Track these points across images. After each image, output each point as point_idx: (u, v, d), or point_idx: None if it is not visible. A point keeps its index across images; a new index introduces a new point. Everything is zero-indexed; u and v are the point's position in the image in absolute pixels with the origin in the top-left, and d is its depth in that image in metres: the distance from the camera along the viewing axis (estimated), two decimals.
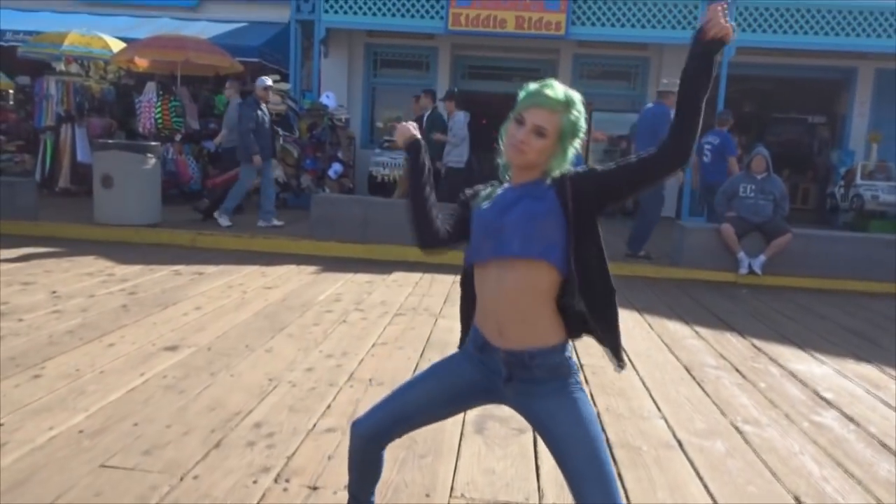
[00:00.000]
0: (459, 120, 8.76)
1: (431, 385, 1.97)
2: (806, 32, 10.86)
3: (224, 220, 8.25)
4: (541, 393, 1.79)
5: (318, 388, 3.56)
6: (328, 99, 11.09)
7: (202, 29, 12.29)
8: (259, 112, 8.24)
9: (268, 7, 13.35)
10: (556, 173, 1.78)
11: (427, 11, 11.18)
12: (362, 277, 6.49)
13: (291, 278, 6.29)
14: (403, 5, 11.17)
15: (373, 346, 4.37)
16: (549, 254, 1.72)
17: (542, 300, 1.77)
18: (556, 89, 1.76)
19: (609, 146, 12.71)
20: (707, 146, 8.69)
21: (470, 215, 1.91)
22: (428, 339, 4.58)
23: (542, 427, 1.79)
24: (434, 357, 4.18)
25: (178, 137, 10.18)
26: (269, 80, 8.62)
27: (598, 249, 1.76)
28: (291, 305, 5.27)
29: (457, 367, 1.96)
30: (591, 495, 1.64)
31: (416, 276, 6.69)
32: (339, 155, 10.99)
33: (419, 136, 2.05)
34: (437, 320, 5.09)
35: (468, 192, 1.99)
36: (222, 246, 7.59)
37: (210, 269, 6.46)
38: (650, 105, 8.25)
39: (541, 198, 1.75)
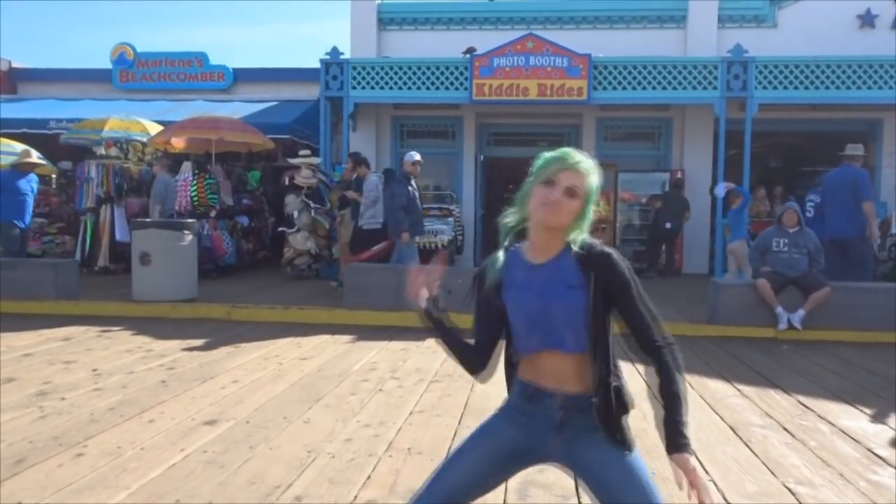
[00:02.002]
0: (371, 182, 8.82)
1: (477, 456, 1.91)
2: (827, 87, 10.94)
3: None
4: (594, 441, 1.78)
5: (357, 459, 3.53)
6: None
7: (235, 109, 12.78)
8: (410, 188, 8.24)
9: (297, 86, 13.90)
10: (579, 242, 1.79)
11: (451, 83, 11.51)
12: (397, 345, 6.49)
13: (326, 348, 6.31)
14: (428, 78, 11.52)
15: (410, 414, 4.34)
16: (598, 344, 1.76)
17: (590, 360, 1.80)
18: (581, 155, 1.83)
19: (642, 206, 12.72)
20: (809, 203, 9.06)
21: (496, 299, 1.89)
22: (466, 406, 4.53)
23: (593, 476, 1.78)
24: (473, 424, 4.13)
25: (213, 213, 10.46)
26: (416, 156, 8.58)
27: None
28: (327, 375, 5.28)
29: (497, 432, 1.92)
30: None
31: None
32: None
33: (426, 297, 2.12)
34: (473, 386, 5.04)
35: (476, 274, 1.97)
36: (257, 318, 7.69)
37: (246, 341, 6.52)
38: (841, 168, 8.30)
39: (573, 280, 1.77)
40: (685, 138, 12.91)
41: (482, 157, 13.70)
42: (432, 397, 4.73)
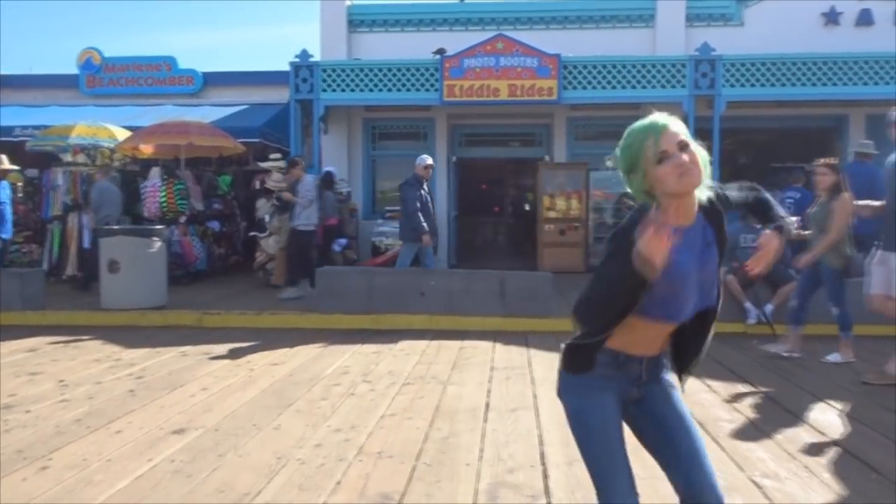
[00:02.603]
0: (306, 183, 8.81)
1: (619, 439, 1.95)
2: (793, 84, 11.09)
3: None
4: (662, 384, 1.98)
5: (327, 464, 3.51)
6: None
7: (205, 114, 12.65)
8: (423, 191, 8.24)
9: (267, 89, 13.78)
10: (705, 197, 1.79)
11: (422, 85, 11.49)
12: (369, 348, 6.47)
13: (298, 353, 6.27)
14: (399, 80, 11.50)
15: (381, 417, 4.32)
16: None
17: None
18: (651, 115, 1.79)
19: (614, 204, 12.79)
20: (789, 199, 9.10)
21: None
22: (437, 408, 4.53)
23: (659, 411, 1.96)
24: (444, 426, 4.14)
25: (182, 219, 10.34)
26: (429, 159, 8.53)
27: None
28: (299, 381, 5.25)
29: (610, 410, 1.95)
30: (704, 469, 1.88)
31: (422, 343, 6.67)
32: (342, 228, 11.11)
33: None
34: (445, 388, 5.05)
35: (620, 237, 1.78)
36: (229, 324, 7.61)
37: (217, 348, 6.46)
38: (852, 165, 8.31)
39: (709, 236, 1.82)
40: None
41: (455, 158, 13.70)
42: (404, 400, 4.72)
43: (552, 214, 12.61)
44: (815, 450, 3.74)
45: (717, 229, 1.82)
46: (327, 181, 10.43)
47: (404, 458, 3.61)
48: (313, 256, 9.15)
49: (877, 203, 5.33)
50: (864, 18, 12.66)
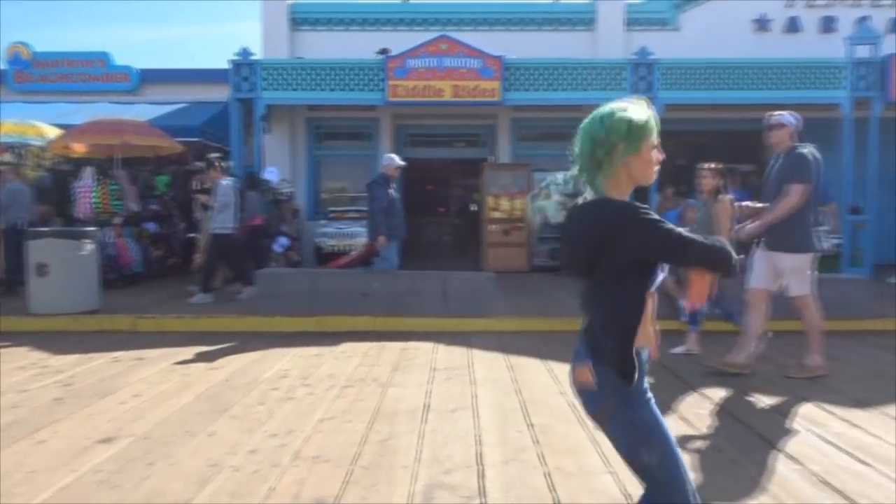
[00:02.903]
0: (222, 186, 8.72)
1: (671, 437, 2.01)
2: (727, 88, 11.44)
3: None
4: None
5: (262, 471, 3.45)
6: (271, 174, 11.13)
7: (141, 112, 12.29)
8: (391, 191, 8.08)
9: (208, 87, 13.47)
10: None
11: (366, 84, 11.42)
12: (310, 351, 6.39)
13: (236, 357, 6.15)
14: (342, 80, 11.39)
15: (320, 421, 4.27)
16: None
17: None
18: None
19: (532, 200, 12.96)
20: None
21: None
22: (377, 410, 4.50)
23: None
24: (383, 429, 4.11)
25: (117, 220, 10.02)
26: (398, 159, 8.32)
27: None
28: (236, 385, 5.15)
29: (656, 409, 2.01)
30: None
31: (365, 345, 6.63)
32: (285, 229, 10.96)
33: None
34: (386, 390, 5.03)
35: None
36: (165, 328, 7.41)
37: (152, 353, 6.28)
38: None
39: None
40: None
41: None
42: (343, 403, 4.68)
43: (496, 215, 12.71)
44: (741, 443, 3.86)
45: None
46: (250, 181, 10.14)
47: (341, 461, 3.58)
48: (239, 258, 8.93)
49: (759, 204, 5.53)
50: (792, 25, 13.16)
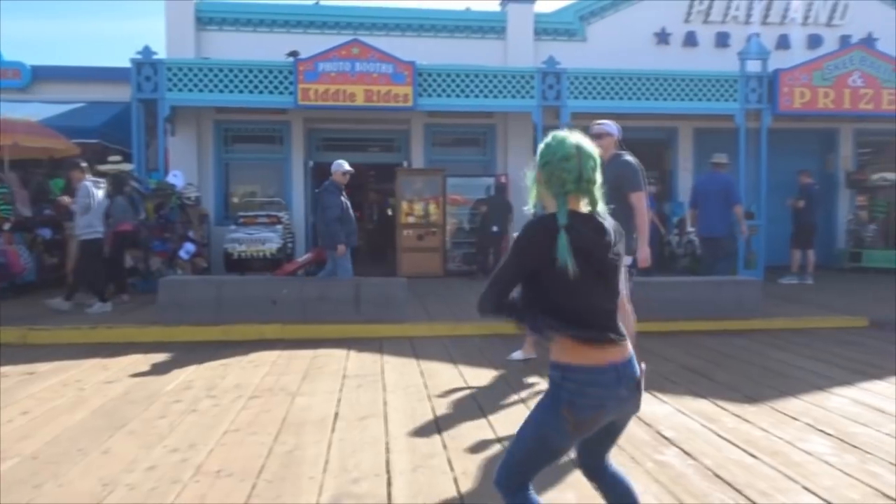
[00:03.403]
0: (83, 188, 8.42)
1: None
2: (630, 98, 11.89)
3: None
4: None
5: (160, 488, 3.32)
6: (176, 178, 10.74)
7: (35, 111, 11.60)
8: (342, 198, 7.92)
9: (108, 86, 12.89)
10: None
11: (276, 87, 11.20)
12: (216, 361, 6.19)
13: (137, 369, 5.88)
14: (251, 82, 11.14)
15: (224, 433, 4.14)
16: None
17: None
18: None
19: (470, 209, 13.10)
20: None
21: None
22: (284, 421, 4.41)
23: None
24: (290, 440, 4.03)
25: (6, 226, 9.42)
26: (346, 165, 8.12)
27: None
28: (135, 399, 4.92)
29: None
30: None
31: (273, 354, 6.48)
32: (191, 234, 10.60)
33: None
34: (294, 399, 4.93)
35: None
36: (59, 340, 7.01)
37: (43, 366, 5.92)
38: (711, 174, 9.30)
39: None
40: (508, 144, 13.51)
41: (312, 162, 13.49)
42: (249, 414, 4.55)
43: (411, 220, 12.74)
44: (641, 440, 4.01)
45: None
46: (117, 184, 9.55)
47: (245, 475, 3.48)
48: (100, 266, 8.54)
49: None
50: (690, 40, 13.85)
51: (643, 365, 2.23)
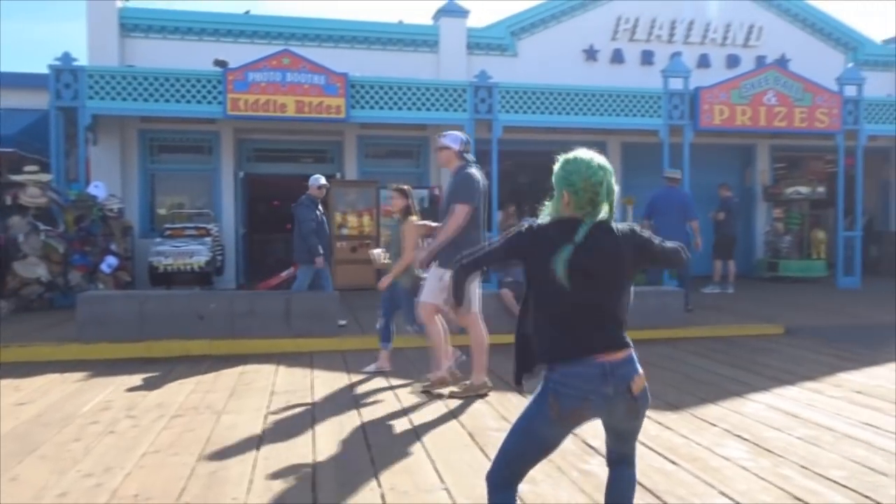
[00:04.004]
0: None
1: None
2: (561, 113, 12.15)
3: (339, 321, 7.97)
4: None
5: None
6: (97, 188, 10.34)
7: None
8: (318, 212, 8.09)
9: (23, 93, 12.31)
10: None
11: (204, 97, 10.95)
12: (137, 379, 5.97)
13: (52, 389, 5.62)
14: (178, 91, 10.85)
15: (143, 455, 4.00)
16: None
17: None
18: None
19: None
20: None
21: None
22: (208, 440, 4.29)
23: None
24: (215, 460, 3.92)
25: None
26: (322, 179, 8.29)
27: None
28: (49, 421, 4.70)
29: None
30: None
31: (199, 371, 6.30)
32: (113, 247, 10.21)
33: None
34: (220, 417, 4.80)
35: None
36: None
37: None
38: (668, 189, 9.80)
39: None
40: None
41: (242, 173, 13.23)
42: (171, 435, 4.41)
43: (344, 231, 12.64)
44: (567, 450, 4.08)
45: None
46: None
47: (164, 499, 3.37)
48: None
49: (434, 224, 5.72)
50: (617, 57, 14.28)
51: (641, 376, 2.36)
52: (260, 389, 5.65)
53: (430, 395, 5.40)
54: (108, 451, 4.09)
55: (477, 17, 32.42)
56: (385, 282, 6.00)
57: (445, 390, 5.44)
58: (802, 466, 3.77)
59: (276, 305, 7.58)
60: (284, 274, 8.53)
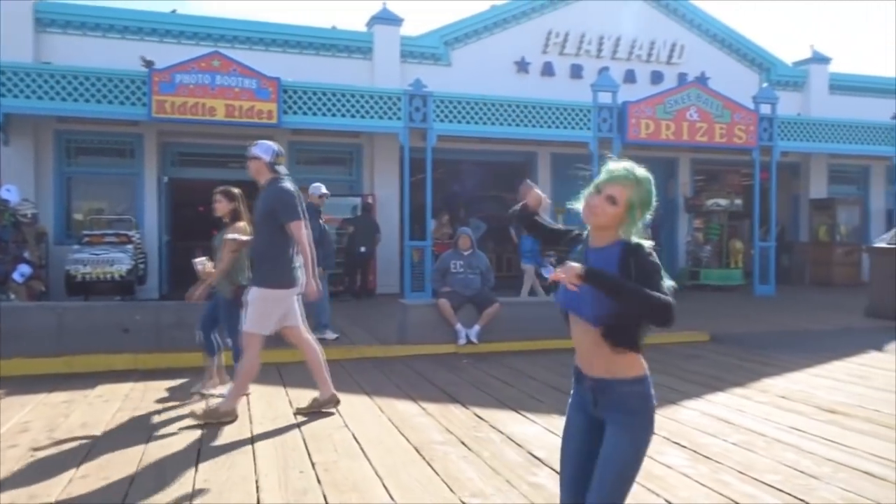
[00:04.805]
0: None
1: (568, 455, 2.35)
2: (493, 123, 12.27)
3: (330, 334, 7.87)
4: (611, 419, 2.22)
5: None
6: (9, 192, 9.72)
7: None
8: (320, 222, 7.93)
9: None
10: (630, 239, 2.15)
11: (127, 98, 10.51)
12: (58, 397, 5.63)
13: None
14: (99, 90, 10.37)
15: (70, 481, 3.75)
16: (611, 319, 2.12)
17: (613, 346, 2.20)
18: (630, 169, 2.20)
19: (336, 229, 12.91)
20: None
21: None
22: (140, 461, 4.07)
23: (598, 447, 2.22)
24: (148, 483, 3.73)
25: None
26: (323, 188, 8.24)
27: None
28: None
29: (570, 425, 2.38)
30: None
31: (125, 387, 6.00)
32: (26, 255, 9.63)
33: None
34: (151, 436, 4.58)
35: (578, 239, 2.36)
36: None
37: None
38: None
39: (613, 265, 2.13)
40: (374, 164, 13.50)
41: (167, 178, 12.75)
42: (100, 456, 4.16)
43: None
44: (515, 463, 4.09)
45: (631, 265, 2.12)
46: None
47: None
48: None
49: (244, 238, 5.37)
50: (548, 70, 14.57)
51: None
52: (193, 405, 5.42)
53: (311, 412, 5.14)
54: (29, 476, 3.82)
55: (411, 25, 32.46)
56: (196, 293, 5.56)
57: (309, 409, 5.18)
58: (739, 472, 3.90)
59: None
60: None
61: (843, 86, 16.54)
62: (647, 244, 2.16)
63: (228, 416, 4.92)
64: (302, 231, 4.88)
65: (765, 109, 13.61)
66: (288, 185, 4.95)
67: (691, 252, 14.95)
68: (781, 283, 14.35)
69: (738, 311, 11.08)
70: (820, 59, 16.46)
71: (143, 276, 11.39)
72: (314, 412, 5.15)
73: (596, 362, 2.23)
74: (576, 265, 2.02)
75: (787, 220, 17.06)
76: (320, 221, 8.02)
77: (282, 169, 5.03)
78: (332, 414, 5.14)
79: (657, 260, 2.14)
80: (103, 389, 5.91)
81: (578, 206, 2.23)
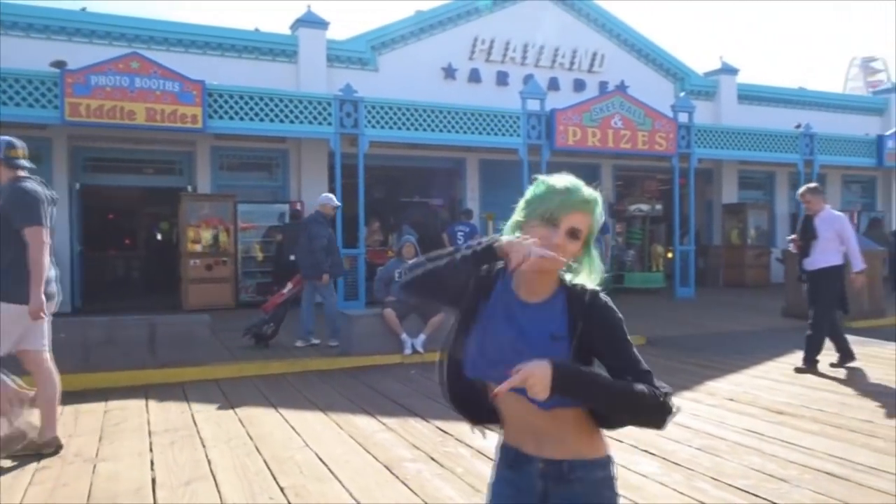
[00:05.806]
0: None
1: None
2: (422, 129, 12.20)
3: (331, 341, 8.07)
4: None
5: None
6: None
7: None
8: (330, 230, 8.35)
9: None
10: (575, 283, 1.63)
11: (36, 100, 9.80)
12: None
13: None
14: (5, 92, 9.62)
15: None
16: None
17: (577, 417, 1.63)
18: (588, 190, 1.64)
19: (263, 237, 12.52)
20: (460, 233, 11.38)
21: (473, 306, 1.68)
22: (89, 495, 3.75)
23: None
24: None
25: None
26: (335, 199, 8.46)
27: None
28: None
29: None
30: None
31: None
32: None
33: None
34: (95, 467, 4.23)
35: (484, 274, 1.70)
36: None
37: None
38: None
39: (558, 330, 1.59)
40: (302, 170, 13.17)
41: (78, 185, 11.99)
42: (41, 492, 3.81)
43: (198, 248, 11.86)
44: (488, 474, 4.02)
45: (585, 328, 1.59)
46: None
47: None
48: None
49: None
50: (474, 76, 14.66)
51: None
52: (134, 430, 5.07)
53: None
54: None
55: (337, 29, 31.99)
56: None
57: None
58: (713, 478, 3.97)
59: (139, 332, 6.89)
60: (286, 291, 7.96)
61: (751, 96, 17.49)
62: (598, 289, 1.65)
63: (52, 447, 4.36)
64: (39, 238, 4.19)
65: (683, 118, 14.18)
66: (27, 185, 4.29)
67: (615, 256, 15.36)
68: (698, 285, 14.97)
69: (664, 313, 11.45)
70: (729, 70, 17.33)
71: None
72: (28, 455, 4.31)
73: (548, 439, 1.64)
74: (539, 369, 1.43)
75: (702, 224, 17.84)
76: (330, 229, 8.40)
77: (23, 164, 4.40)
78: (52, 455, 4.35)
79: (618, 312, 1.64)
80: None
81: (508, 238, 1.57)
